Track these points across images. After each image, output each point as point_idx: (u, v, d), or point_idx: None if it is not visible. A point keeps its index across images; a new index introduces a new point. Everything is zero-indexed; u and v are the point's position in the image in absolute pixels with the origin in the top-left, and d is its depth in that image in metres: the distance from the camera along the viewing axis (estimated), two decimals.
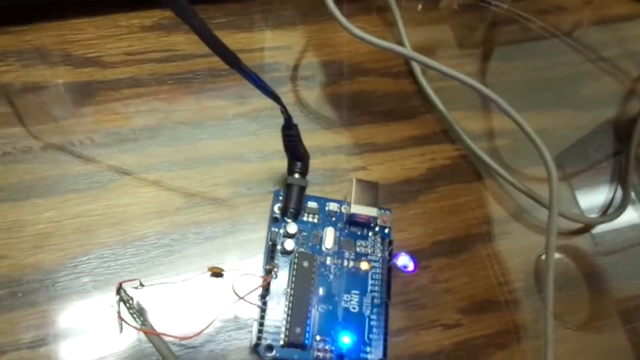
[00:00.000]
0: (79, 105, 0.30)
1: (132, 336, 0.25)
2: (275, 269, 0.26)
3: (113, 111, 0.30)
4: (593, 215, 0.31)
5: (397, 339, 0.27)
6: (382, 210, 0.29)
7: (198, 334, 0.24)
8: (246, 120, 0.31)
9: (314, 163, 0.30)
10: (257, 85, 0.23)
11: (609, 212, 0.31)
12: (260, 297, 0.26)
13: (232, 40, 0.33)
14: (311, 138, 0.31)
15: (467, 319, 0.28)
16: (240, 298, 0.25)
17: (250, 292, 0.25)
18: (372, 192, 0.28)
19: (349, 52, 0.34)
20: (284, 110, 0.24)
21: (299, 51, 0.34)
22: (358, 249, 0.28)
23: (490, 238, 0.30)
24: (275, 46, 0.34)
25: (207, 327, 0.24)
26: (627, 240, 0.32)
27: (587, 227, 0.32)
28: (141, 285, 0.24)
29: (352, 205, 0.27)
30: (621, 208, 0.31)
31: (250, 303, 0.25)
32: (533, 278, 0.30)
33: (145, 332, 0.24)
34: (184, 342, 0.25)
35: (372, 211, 0.28)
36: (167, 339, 0.25)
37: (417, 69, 0.34)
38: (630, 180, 0.32)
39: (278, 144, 0.27)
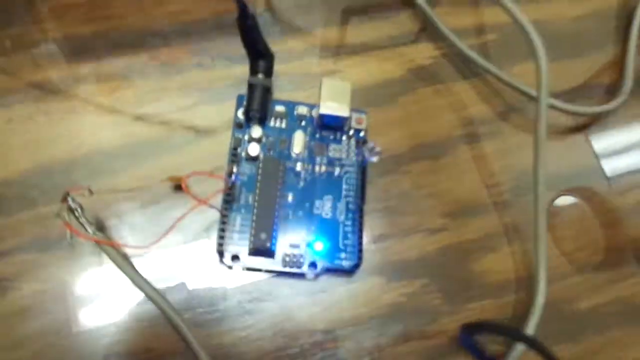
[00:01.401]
0: (29, 12, 0.27)
1: (85, 247, 0.23)
2: (235, 172, 0.24)
3: (61, 21, 0.27)
4: (587, 108, 0.28)
5: (377, 246, 0.25)
6: (357, 113, 0.27)
7: (155, 242, 0.23)
8: (209, 24, 0.28)
9: (282, 68, 0.28)
10: None
11: (605, 104, 0.29)
12: (223, 204, 0.24)
13: None
14: (279, 42, 0.28)
15: (452, 223, 0.26)
16: (200, 202, 0.23)
17: (211, 197, 0.23)
18: (344, 92, 0.26)
19: None
20: None
21: None
22: (331, 154, 0.26)
23: (476, 139, 0.28)
24: None
25: (165, 235, 0.23)
26: (626, 133, 0.29)
27: (583, 125, 0.29)
28: (90, 192, 0.22)
29: (322, 105, 0.25)
30: (618, 99, 0.28)
31: (211, 207, 0.23)
32: (524, 178, 0.27)
33: (97, 242, 0.22)
34: (141, 252, 0.23)
35: (343, 111, 0.25)
36: (122, 249, 0.23)
37: None
38: (628, 70, 0.29)
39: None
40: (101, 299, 0.23)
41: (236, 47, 0.25)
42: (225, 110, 0.26)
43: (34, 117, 0.25)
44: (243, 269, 0.24)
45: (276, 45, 0.26)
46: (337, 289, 0.25)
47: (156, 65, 0.27)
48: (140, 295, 0.23)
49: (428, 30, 0.30)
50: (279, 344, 0.23)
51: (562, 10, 0.31)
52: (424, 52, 0.29)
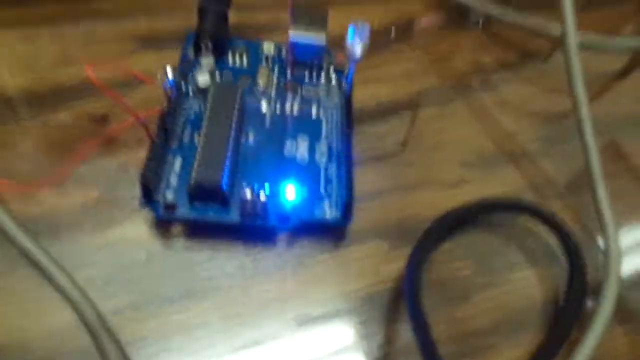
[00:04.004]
0: None
1: None
2: (170, 77, 0.17)
3: None
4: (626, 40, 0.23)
5: (374, 203, 0.18)
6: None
7: (48, 181, 0.16)
8: None
9: (245, 18, 0.23)
10: None
11: None
12: (158, 122, 0.17)
13: None
14: None
15: (472, 174, 0.19)
16: (136, 116, 0.16)
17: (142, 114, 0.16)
18: (320, 18, 0.20)
19: None
20: None
21: None
22: (305, 93, 0.20)
23: (491, 85, 0.22)
24: None
25: (65, 171, 0.16)
26: None
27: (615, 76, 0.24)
28: None
29: (291, 32, 0.20)
30: None
31: (143, 124, 0.16)
32: (554, 126, 0.21)
33: None
34: (28, 193, 0.16)
35: (319, 38, 0.20)
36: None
37: None
38: None
39: None
40: None
41: None
42: (171, 56, 0.21)
43: None
44: (182, 232, 0.17)
45: None
46: (319, 259, 0.17)
47: (88, 12, 0.22)
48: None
49: None
50: (232, 334, 0.15)
51: None
52: (414, 4, 0.25)
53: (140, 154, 0.18)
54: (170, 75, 0.17)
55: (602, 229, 0.17)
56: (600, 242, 0.18)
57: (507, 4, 0.25)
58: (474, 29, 0.24)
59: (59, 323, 0.14)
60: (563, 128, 0.21)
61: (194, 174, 0.16)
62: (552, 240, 0.18)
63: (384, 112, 0.21)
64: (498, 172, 0.20)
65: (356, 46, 0.17)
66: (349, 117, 0.19)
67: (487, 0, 0.24)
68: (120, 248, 0.16)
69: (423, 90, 0.22)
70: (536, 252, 0.18)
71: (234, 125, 0.17)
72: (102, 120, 0.18)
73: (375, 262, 0.17)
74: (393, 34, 0.24)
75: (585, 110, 0.18)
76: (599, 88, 0.23)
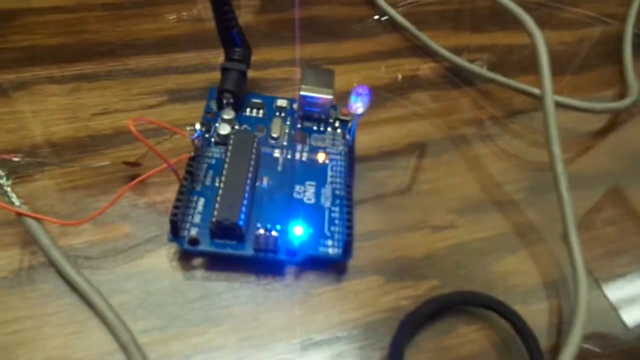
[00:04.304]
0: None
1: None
2: (198, 128, 0.19)
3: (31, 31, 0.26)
4: (597, 104, 0.26)
5: (372, 242, 0.21)
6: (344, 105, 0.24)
7: (89, 218, 0.18)
8: (184, 38, 0.27)
9: (262, 74, 0.26)
10: None
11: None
12: (187, 167, 0.20)
13: None
14: (260, 53, 0.27)
15: (462, 220, 0.22)
16: (167, 163, 0.19)
17: (173, 161, 0.19)
18: (327, 78, 0.23)
19: None
20: None
21: None
22: (313, 143, 0.23)
23: (486, 138, 0.25)
24: None
25: (106, 208, 0.18)
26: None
27: (596, 135, 0.26)
28: (22, 158, 0.19)
29: (302, 89, 0.23)
30: (628, 98, 0.26)
31: (173, 170, 0.19)
32: (543, 176, 0.23)
33: (18, 214, 0.18)
34: (69, 228, 0.19)
35: (326, 94, 0.23)
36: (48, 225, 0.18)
37: None
38: (629, 76, 0.28)
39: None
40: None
41: (211, 55, 0.24)
42: (196, 108, 0.24)
43: None
44: (202, 264, 0.19)
45: (255, 54, 0.24)
46: (322, 290, 0.19)
47: (122, 70, 0.25)
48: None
49: (413, 48, 0.29)
50: (245, 354, 0.17)
51: (550, 39, 0.31)
52: (412, 65, 0.28)
53: (167, 195, 0.20)
54: (198, 128, 0.19)
55: (574, 273, 0.19)
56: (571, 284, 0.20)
57: (497, 66, 0.28)
58: (468, 88, 0.27)
59: (96, 342, 0.17)
60: (546, 179, 0.23)
61: (215, 213, 0.18)
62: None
63: (384, 160, 0.23)
64: (485, 218, 0.22)
65: (358, 107, 0.19)
66: (351, 165, 0.21)
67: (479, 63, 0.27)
68: (149, 277, 0.18)
69: (421, 141, 0.24)
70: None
71: (250, 171, 0.20)
72: (135, 164, 0.21)
73: (372, 295, 0.19)
74: (400, 78, 0.27)
75: (560, 166, 0.21)
76: (580, 147, 0.25)
